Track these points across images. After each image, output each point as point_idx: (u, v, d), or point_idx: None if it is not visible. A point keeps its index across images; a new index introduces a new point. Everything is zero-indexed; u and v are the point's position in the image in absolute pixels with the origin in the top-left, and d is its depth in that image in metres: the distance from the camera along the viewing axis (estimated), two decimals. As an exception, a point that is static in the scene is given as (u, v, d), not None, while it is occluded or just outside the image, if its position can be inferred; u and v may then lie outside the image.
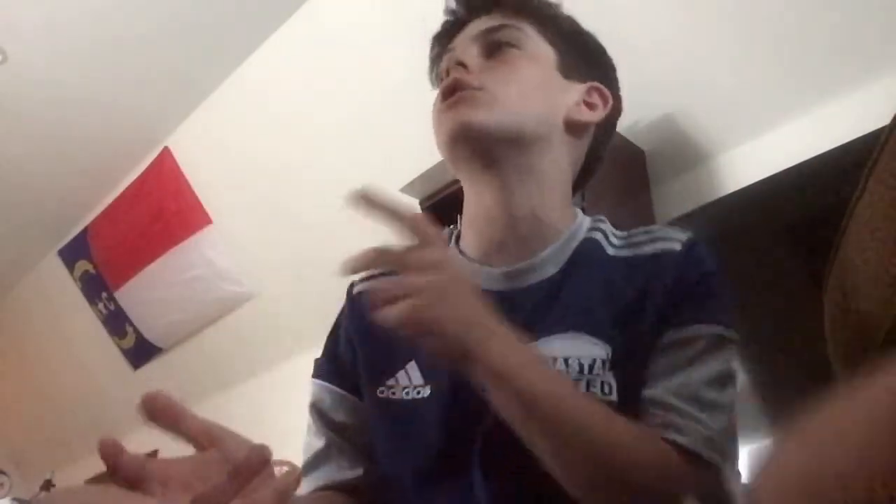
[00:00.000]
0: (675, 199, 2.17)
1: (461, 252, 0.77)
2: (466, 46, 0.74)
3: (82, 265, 3.98)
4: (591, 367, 0.64)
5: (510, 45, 0.74)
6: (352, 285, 0.81)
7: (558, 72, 0.76)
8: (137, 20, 2.78)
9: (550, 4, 0.80)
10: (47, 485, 3.96)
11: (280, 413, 3.58)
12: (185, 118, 3.31)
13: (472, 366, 0.56)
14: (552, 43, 0.76)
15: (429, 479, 0.67)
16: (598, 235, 0.74)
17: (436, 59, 0.81)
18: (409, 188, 2.52)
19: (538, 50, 0.75)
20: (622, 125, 2.28)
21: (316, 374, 0.79)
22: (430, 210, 2.53)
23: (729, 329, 0.66)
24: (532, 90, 0.73)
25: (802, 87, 1.99)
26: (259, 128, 3.04)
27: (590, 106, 0.77)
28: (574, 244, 0.73)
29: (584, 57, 0.80)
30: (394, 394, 0.70)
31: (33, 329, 4.51)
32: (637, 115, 2.19)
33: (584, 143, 0.78)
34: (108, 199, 3.76)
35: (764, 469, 0.38)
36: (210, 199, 3.34)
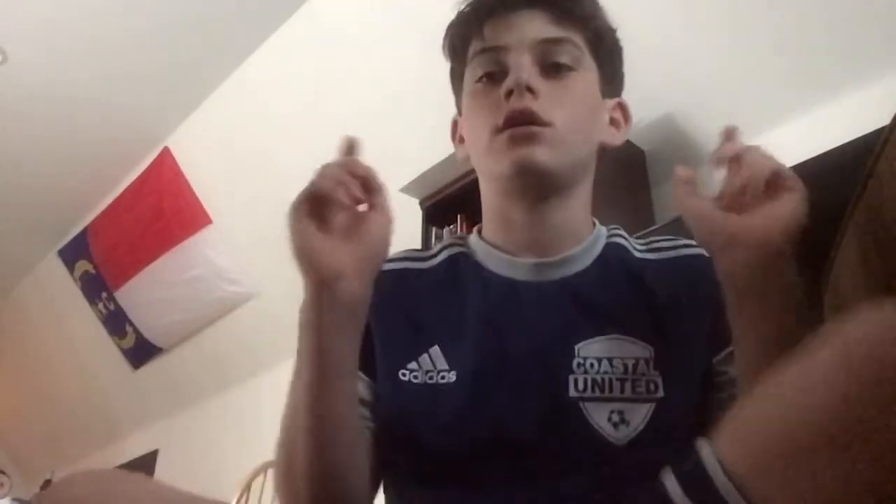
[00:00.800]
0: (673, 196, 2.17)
1: (485, 241, 0.75)
2: (524, 58, 0.69)
3: (82, 265, 3.98)
4: (635, 367, 0.64)
5: (569, 65, 0.70)
6: None
7: (599, 92, 0.74)
8: (137, 21, 2.79)
9: (604, 15, 0.77)
10: (47, 485, 3.96)
11: (279, 413, 3.57)
12: (185, 118, 3.31)
13: (774, 261, 0.53)
14: (597, 59, 0.74)
15: (447, 475, 0.64)
16: (621, 240, 0.75)
17: (464, 39, 0.75)
18: (409, 188, 2.52)
19: (589, 70, 0.73)
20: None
21: None
22: (430, 210, 2.54)
23: None
24: (587, 122, 0.72)
25: (802, 87, 1.99)
26: (259, 128, 3.04)
27: (614, 123, 0.77)
28: (599, 246, 0.73)
29: (619, 74, 0.79)
30: (416, 378, 0.68)
31: (33, 329, 4.51)
32: (637, 115, 2.18)
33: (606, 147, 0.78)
34: (108, 199, 3.76)
35: (728, 425, 0.42)
36: (210, 199, 3.33)
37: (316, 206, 0.56)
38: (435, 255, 0.78)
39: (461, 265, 0.75)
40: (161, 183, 3.44)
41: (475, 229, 0.79)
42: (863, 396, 0.37)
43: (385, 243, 0.60)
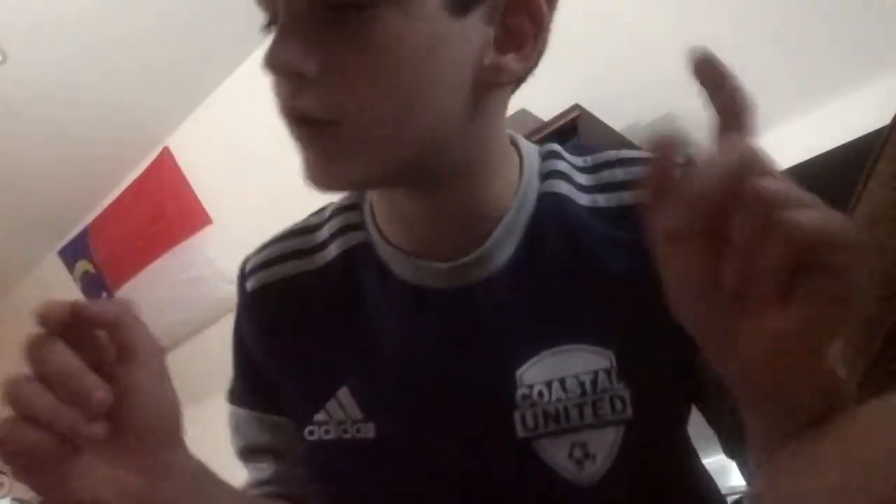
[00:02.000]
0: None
1: (385, 239, 0.54)
2: (290, 16, 0.42)
3: (82, 265, 3.98)
4: (594, 384, 0.49)
5: (360, 5, 0.40)
6: (242, 274, 0.62)
7: (446, 12, 0.42)
8: (137, 20, 2.78)
9: None
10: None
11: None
12: (185, 118, 3.31)
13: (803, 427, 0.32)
14: None
15: None
16: (559, 185, 0.53)
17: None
18: (409, 188, 2.52)
19: (399, 4, 0.42)
20: (622, 125, 2.29)
21: (235, 401, 0.61)
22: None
23: None
24: (416, 88, 0.43)
25: (802, 86, 1.99)
26: (259, 128, 3.04)
27: (512, 36, 0.45)
28: (527, 211, 0.52)
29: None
30: (327, 433, 0.53)
31: (34, 329, 4.51)
32: (637, 115, 2.19)
33: (511, 84, 0.49)
34: (108, 199, 3.76)
35: (769, 484, 0.32)
36: (210, 199, 3.33)
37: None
38: (325, 245, 0.59)
39: (359, 264, 0.56)
40: (161, 183, 3.44)
41: (367, 206, 0.57)
42: None
43: (164, 410, 0.42)
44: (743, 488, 1.33)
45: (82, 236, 3.94)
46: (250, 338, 0.60)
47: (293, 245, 0.61)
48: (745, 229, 0.29)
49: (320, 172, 0.46)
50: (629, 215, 0.50)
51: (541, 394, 0.49)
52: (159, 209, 3.49)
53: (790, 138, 1.99)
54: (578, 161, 0.55)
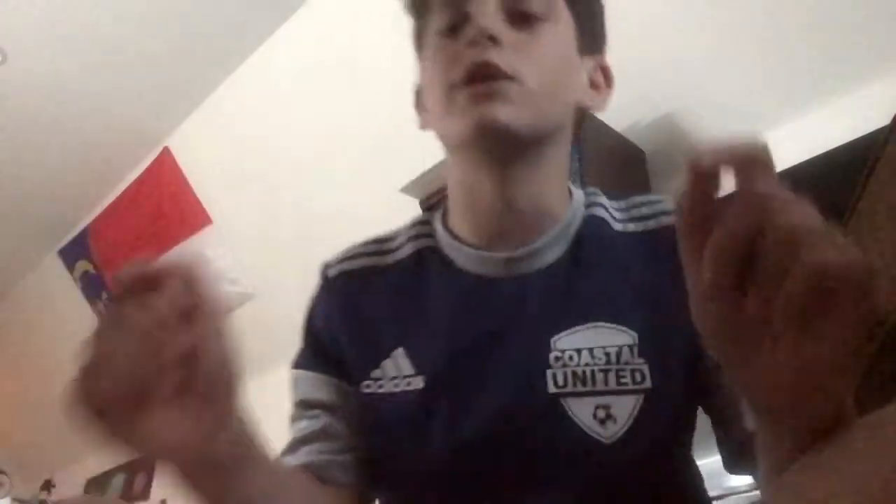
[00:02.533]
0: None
1: (452, 234, 0.68)
2: (487, 5, 0.61)
3: (82, 265, 3.98)
4: (618, 356, 0.58)
5: (539, 16, 0.62)
6: (325, 267, 0.73)
7: (575, 47, 0.66)
8: (138, 21, 2.78)
9: None
10: (47, 485, 3.97)
11: (279, 413, 3.57)
12: (185, 118, 3.31)
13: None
14: (573, 11, 0.65)
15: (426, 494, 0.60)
16: (600, 211, 0.68)
17: (427, 9, 0.68)
18: (409, 188, 2.52)
19: (563, 21, 0.64)
20: (622, 125, 2.29)
21: (298, 365, 0.70)
22: (429, 210, 2.53)
23: None
24: (559, 79, 0.63)
25: (802, 87, 1.99)
26: (259, 128, 3.04)
27: (594, 86, 0.69)
28: (576, 224, 0.67)
29: (598, 27, 0.70)
30: (381, 387, 0.62)
31: (33, 329, 4.51)
32: (637, 115, 2.19)
33: (588, 109, 0.71)
34: (108, 199, 3.76)
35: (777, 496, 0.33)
36: (210, 199, 3.34)
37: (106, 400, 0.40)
38: (399, 248, 0.71)
39: (427, 261, 0.68)
40: (161, 183, 3.44)
41: (439, 214, 0.72)
42: None
43: (230, 372, 0.44)
44: (740, 489, 1.33)
45: (82, 236, 3.94)
46: (324, 315, 0.69)
47: (371, 248, 0.72)
48: (769, 265, 0.31)
49: (492, 117, 0.58)
50: (652, 238, 0.65)
51: (571, 357, 0.58)
52: (159, 209, 3.49)
53: (790, 138, 1.99)
54: (613, 203, 0.70)
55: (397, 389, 0.61)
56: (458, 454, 0.58)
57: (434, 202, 2.51)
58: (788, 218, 0.31)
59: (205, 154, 3.30)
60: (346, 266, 0.71)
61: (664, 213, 0.66)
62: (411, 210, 2.56)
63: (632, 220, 0.67)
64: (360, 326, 0.66)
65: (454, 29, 0.63)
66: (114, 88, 3.11)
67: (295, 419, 0.68)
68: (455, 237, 0.68)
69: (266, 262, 3.19)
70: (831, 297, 0.30)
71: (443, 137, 0.66)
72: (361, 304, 0.67)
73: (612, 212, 0.69)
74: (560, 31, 0.64)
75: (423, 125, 0.72)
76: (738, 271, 0.32)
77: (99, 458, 4.52)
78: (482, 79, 0.59)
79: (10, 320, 4.63)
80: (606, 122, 2.01)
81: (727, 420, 0.59)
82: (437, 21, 0.65)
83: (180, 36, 2.88)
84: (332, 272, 0.72)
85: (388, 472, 0.63)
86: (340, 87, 2.76)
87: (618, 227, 0.67)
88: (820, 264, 0.29)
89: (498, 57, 0.59)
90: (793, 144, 1.88)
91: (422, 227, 0.72)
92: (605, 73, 0.70)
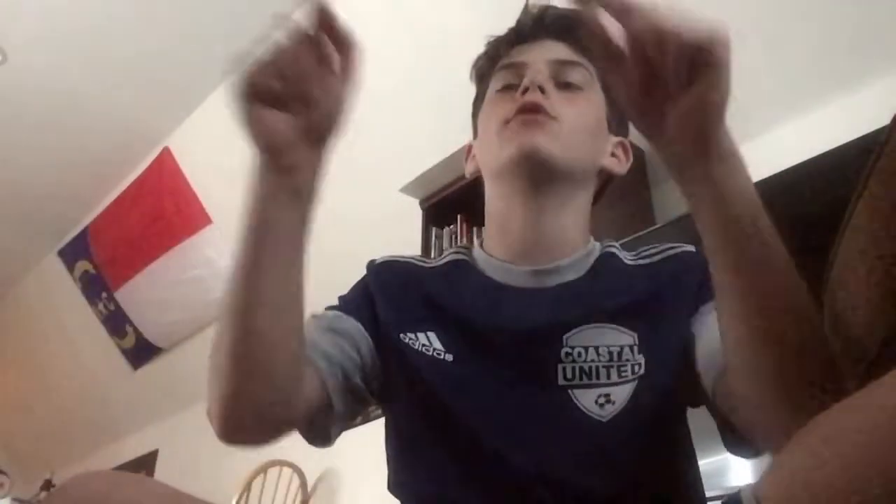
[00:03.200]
0: (675, 199, 2.17)
1: (486, 252, 0.80)
2: (540, 69, 0.77)
3: (82, 265, 3.98)
4: (620, 354, 0.68)
5: (578, 86, 0.78)
6: (372, 261, 0.83)
7: (605, 118, 0.80)
8: (138, 21, 2.79)
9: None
10: (47, 485, 3.97)
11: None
12: (185, 118, 3.31)
13: (700, 161, 0.52)
14: (606, 92, 0.80)
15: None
16: (614, 250, 0.80)
17: (492, 62, 0.83)
18: (409, 188, 2.52)
19: (598, 95, 0.79)
20: (622, 125, 2.25)
21: (337, 308, 0.76)
22: (430, 210, 2.54)
23: None
24: (591, 135, 0.78)
25: (802, 87, 2.00)
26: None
27: (616, 157, 0.83)
28: (593, 257, 0.78)
29: (623, 113, 0.83)
30: (413, 344, 0.72)
31: (33, 329, 4.52)
32: (637, 115, 2.19)
33: (599, 183, 0.84)
34: (108, 199, 3.76)
35: (770, 475, 0.39)
36: (210, 199, 3.34)
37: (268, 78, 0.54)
38: (438, 261, 0.83)
39: (462, 269, 0.79)
40: (161, 183, 3.45)
41: (478, 242, 0.83)
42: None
43: (339, 107, 0.60)
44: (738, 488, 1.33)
45: (82, 236, 3.95)
46: (367, 291, 0.78)
47: (414, 258, 0.84)
48: (654, 46, 0.48)
49: (535, 142, 0.72)
50: (657, 267, 0.76)
51: (580, 354, 0.68)
52: (159, 209, 3.49)
53: (790, 138, 1.99)
54: (626, 252, 0.81)
55: (427, 353, 0.71)
56: (469, 416, 0.67)
57: (434, 202, 2.51)
58: (665, 23, 0.48)
59: (205, 154, 3.30)
60: (391, 259, 0.82)
61: (669, 248, 0.78)
62: (411, 210, 2.56)
63: (641, 258, 0.79)
64: (398, 297, 0.75)
65: (509, 87, 0.78)
66: (114, 88, 3.11)
67: (318, 316, 0.75)
68: (487, 253, 0.79)
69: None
70: (700, 59, 0.47)
71: (488, 168, 0.79)
72: (401, 284, 0.77)
73: (625, 254, 0.80)
74: (594, 99, 0.79)
75: (470, 171, 0.84)
76: (648, 70, 0.49)
77: (99, 458, 4.53)
78: (530, 111, 0.73)
79: (10, 320, 4.63)
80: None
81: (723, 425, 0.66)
82: (499, 81, 0.80)
83: (180, 36, 2.89)
84: (377, 261, 0.82)
85: (409, 420, 0.72)
86: (340, 87, 2.76)
87: (629, 262, 0.79)
88: (688, 33, 0.47)
89: (544, 101, 0.73)
90: (793, 144, 1.88)
91: (459, 249, 0.84)
92: (625, 149, 0.84)
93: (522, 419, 0.67)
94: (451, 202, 2.38)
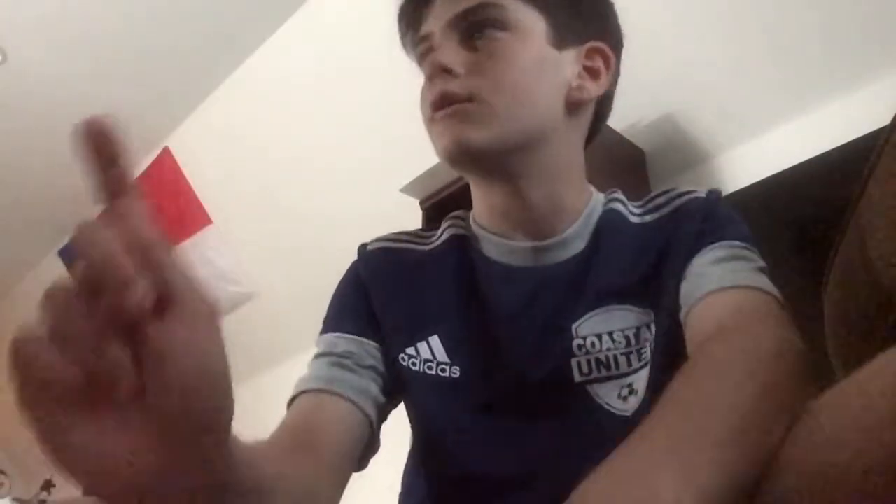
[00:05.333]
0: None
1: (480, 225, 0.71)
2: (443, 37, 0.65)
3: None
4: (637, 336, 0.62)
5: (494, 28, 0.63)
6: (363, 245, 0.75)
7: (550, 45, 0.65)
8: (138, 21, 2.79)
9: None
10: (47, 485, 3.97)
11: (279, 413, 3.57)
12: (185, 118, 3.31)
13: None
14: (538, 6, 0.65)
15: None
16: (618, 206, 0.71)
17: (404, 38, 0.73)
18: (409, 188, 2.52)
19: (525, 23, 0.64)
20: (622, 125, 2.28)
21: (327, 330, 0.69)
22: (430, 210, 2.53)
23: (754, 251, 0.63)
24: (528, 87, 0.64)
25: (802, 87, 1.99)
26: (259, 128, 3.04)
27: (591, 72, 0.68)
28: (595, 217, 0.69)
29: (578, 13, 0.69)
30: (414, 365, 0.65)
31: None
32: (637, 115, 2.19)
33: (590, 111, 0.71)
34: (108, 199, 3.76)
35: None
36: (210, 199, 3.34)
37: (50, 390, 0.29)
38: (436, 238, 0.74)
39: (462, 249, 0.71)
40: (161, 183, 3.44)
41: (471, 214, 0.75)
42: None
43: (214, 364, 0.33)
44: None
45: (82, 236, 3.94)
46: (356, 282, 0.71)
47: (410, 236, 0.75)
48: None
49: (458, 138, 0.61)
50: (666, 220, 0.68)
51: (593, 343, 0.62)
52: (159, 209, 3.48)
53: (790, 139, 1.99)
54: (632, 202, 0.73)
55: (430, 373, 0.65)
56: (488, 434, 0.62)
57: (434, 202, 2.51)
58: None
59: (205, 154, 3.30)
60: (385, 243, 0.73)
61: (678, 195, 0.70)
62: (411, 210, 2.56)
63: (648, 212, 0.71)
64: (395, 298, 0.68)
65: (424, 56, 0.69)
66: (114, 89, 3.11)
67: (315, 357, 0.68)
68: (483, 228, 0.71)
69: (266, 262, 3.19)
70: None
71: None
72: (398, 278, 0.69)
73: (630, 207, 0.72)
74: (520, 37, 0.64)
75: None
76: None
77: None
78: (441, 107, 0.63)
79: (10, 320, 4.63)
80: (607, 122, 2.01)
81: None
82: (419, 64, 0.71)
83: (180, 36, 2.88)
84: (370, 246, 0.74)
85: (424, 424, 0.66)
86: (340, 86, 2.76)
87: (635, 219, 0.70)
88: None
89: (452, 84, 0.63)
90: (792, 144, 1.88)
91: (455, 220, 0.75)
92: (601, 54, 0.68)
93: (544, 441, 0.60)
94: (451, 202, 2.37)
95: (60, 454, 0.28)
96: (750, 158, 2.06)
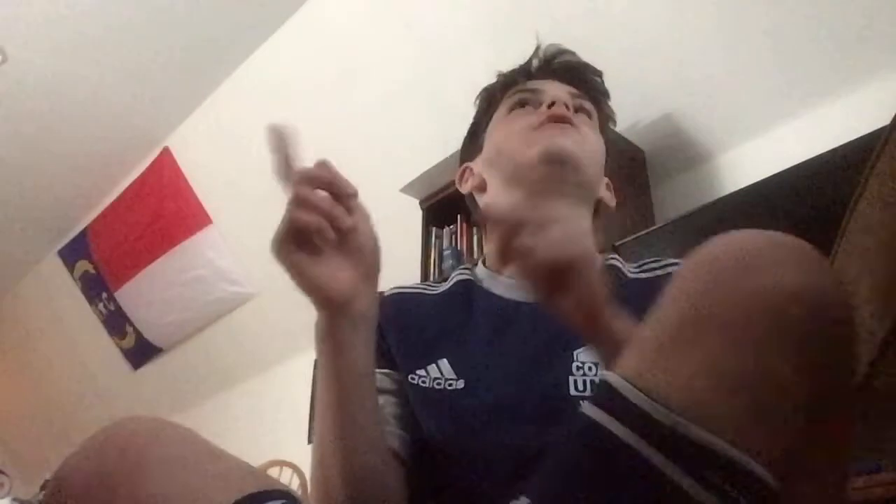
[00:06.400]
0: (675, 199, 2.17)
1: (490, 269, 0.83)
2: (561, 94, 0.82)
3: (82, 265, 3.98)
4: None
5: (591, 116, 0.85)
6: (381, 293, 0.86)
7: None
8: (138, 21, 2.79)
9: (610, 106, 0.91)
10: (47, 485, 3.96)
11: (279, 413, 3.58)
12: (185, 118, 3.31)
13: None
14: (602, 135, 0.87)
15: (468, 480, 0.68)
16: (616, 263, 0.82)
17: (503, 90, 0.88)
18: (409, 188, 2.52)
19: (599, 134, 0.86)
20: (622, 125, 2.29)
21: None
22: (430, 210, 2.54)
23: None
24: (600, 161, 0.84)
25: (802, 87, 2.00)
26: (259, 128, 3.03)
27: (608, 193, 0.89)
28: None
29: (608, 156, 0.92)
30: (424, 382, 0.73)
31: (33, 329, 4.52)
32: (637, 115, 2.19)
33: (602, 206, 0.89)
34: (108, 199, 3.76)
35: (637, 362, 0.44)
36: (210, 199, 3.34)
37: (300, 236, 0.57)
38: (444, 285, 0.86)
39: (469, 290, 0.82)
40: (161, 183, 3.44)
41: (480, 260, 0.86)
42: (708, 299, 0.44)
43: (376, 246, 0.62)
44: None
45: (82, 236, 3.94)
46: (381, 323, 0.79)
47: (422, 285, 0.87)
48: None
49: (564, 142, 0.77)
50: (659, 281, 0.74)
51: (590, 368, 0.69)
52: (159, 209, 3.49)
53: (790, 139, 1.99)
54: (628, 264, 0.84)
55: (439, 387, 0.72)
56: (490, 440, 0.68)
57: (434, 202, 2.51)
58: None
59: (205, 154, 3.30)
60: (399, 291, 0.85)
61: (670, 264, 0.80)
62: (411, 210, 2.56)
63: (643, 272, 0.81)
64: (408, 332, 0.78)
65: (524, 104, 0.84)
66: (114, 89, 3.11)
67: None
68: (492, 271, 0.82)
69: (266, 262, 3.19)
70: (564, 277, 0.53)
71: (511, 167, 0.81)
72: (411, 316, 0.80)
73: (627, 267, 0.82)
74: (600, 137, 0.85)
75: (467, 189, 0.88)
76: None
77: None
78: (560, 121, 0.79)
79: (10, 320, 4.63)
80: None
81: None
82: (510, 103, 0.85)
83: (180, 36, 2.88)
84: (387, 293, 0.85)
85: (428, 448, 0.72)
86: (340, 87, 2.76)
87: (631, 276, 0.80)
88: (542, 256, 0.53)
89: (573, 118, 0.80)
90: (792, 144, 1.88)
91: (463, 270, 0.86)
92: (611, 189, 0.89)
93: (534, 433, 0.66)
94: (451, 202, 2.37)
95: (302, 277, 0.57)
96: (750, 158, 2.06)
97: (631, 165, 2.15)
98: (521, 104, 0.84)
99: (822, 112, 1.97)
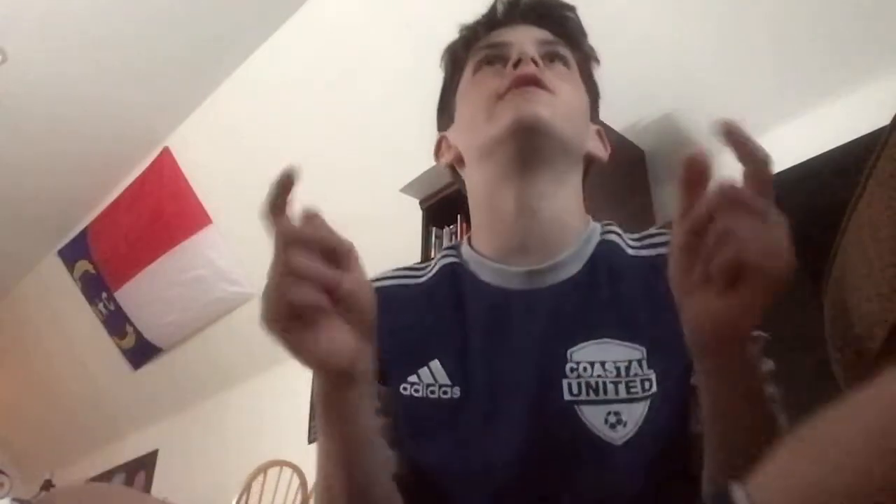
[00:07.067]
0: (675, 199, 2.17)
1: (475, 251, 0.75)
2: (529, 47, 0.73)
3: (82, 265, 3.98)
4: (627, 369, 0.64)
5: (566, 63, 0.75)
6: None
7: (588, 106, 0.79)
8: (138, 21, 2.79)
9: (589, 44, 0.81)
10: (47, 485, 3.96)
11: (279, 413, 3.58)
12: (185, 118, 3.31)
13: (734, 346, 0.50)
14: (583, 79, 0.78)
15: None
16: (615, 237, 0.75)
17: (467, 47, 0.79)
18: (409, 188, 2.52)
19: (580, 81, 0.77)
20: (622, 125, 2.28)
21: None
22: (430, 210, 2.54)
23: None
24: (582, 114, 0.75)
25: (802, 87, 2.00)
26: (259, 128, 3.04)
27: (597, 143, 0.80)
28: (591, 245, 0.73)
29: (597, 102, 0.83)
30: (417, 391, 0.68)
31: (33, 329, 4.51)
32: (637, 115, 2.19)
33: (591, 159, 0.81)
34: (108, 199, 3.76)
35: (764, 473, 0.38)
36: (210, 199, 3.34)
37: (295, 311, 0.50)
38: (429, 269, 0.78)
39: (455, 277, 0.75)
40: (161, 183, 3.44)
41: (465, 238, 0.78)
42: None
43: (371, 295, 0.55)
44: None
45: (82, 236, 3.95)
46: None
47: (402, 272, 0.79)
48: (711, 238, 0.46)
49: (534, 109, 0.68)
50: (664, 261, 0.66)
51: (585, 369, 0.65)
52: (159, 209, 3.49)
53: (790, 139, 1.99)
54: (628, 234, 0.77)
55: (433, 396, 0.68)
56: (488, 455, 0.64)
57: (434, 202, 2.51)
58: (735, 219, 0.45)
59: (205, 154, 3.30)
60: (379, 284, 0.75)
61: None
62: (411, 210, 2.56)
63: (644, 247, 0.74)
64: (394, 336, 0.70)
65: (491, 62, 0.75)
66: (114, 89, 3.11)
67: None
68: (478, 253, 0.75)
69: (266, 262, 3.19)
70: (748, 271, 0.44)
71: (480, 142, 0.73)
72: (392, 317, 0.70)
73: (627, 240, 0.75)
74: (580, 84, 0.76)
75: (445, 162, 0.81)
76: (694, 243, 0.47)
77: (99, 458, 4.53)
78: (526, 83, 0.69)
79: (10, 320, 4.63)
80: (606, 122, 2.02)
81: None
82: (478, 59, 0.76)
83: (180, 36, 2.88)
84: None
85: (421, 465, 0.67)
86: (340, 87, 2.76)
87: (631, 252, 0.73)
88: (749, 241, 0.44)
89: (541, 74, 0.70)
90: (793, 144, 1.88)
91: (448, 250, 0.79)
92: (602, 137, 0.81)
93: (531, 447, 0.63)
94: (451, 202, 2.37)
95: (300, 352, 0.50)
96: (750, 158, 2.06)
97: (631, 165, 2.15)
98: (488, 61, 0.75)
99: (822, 112, 1.97)
